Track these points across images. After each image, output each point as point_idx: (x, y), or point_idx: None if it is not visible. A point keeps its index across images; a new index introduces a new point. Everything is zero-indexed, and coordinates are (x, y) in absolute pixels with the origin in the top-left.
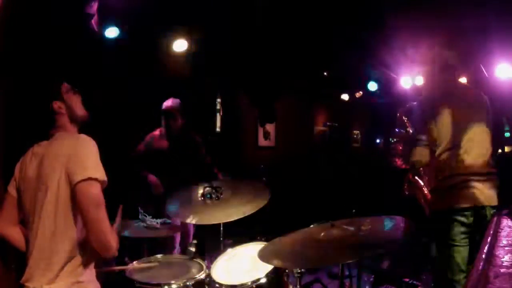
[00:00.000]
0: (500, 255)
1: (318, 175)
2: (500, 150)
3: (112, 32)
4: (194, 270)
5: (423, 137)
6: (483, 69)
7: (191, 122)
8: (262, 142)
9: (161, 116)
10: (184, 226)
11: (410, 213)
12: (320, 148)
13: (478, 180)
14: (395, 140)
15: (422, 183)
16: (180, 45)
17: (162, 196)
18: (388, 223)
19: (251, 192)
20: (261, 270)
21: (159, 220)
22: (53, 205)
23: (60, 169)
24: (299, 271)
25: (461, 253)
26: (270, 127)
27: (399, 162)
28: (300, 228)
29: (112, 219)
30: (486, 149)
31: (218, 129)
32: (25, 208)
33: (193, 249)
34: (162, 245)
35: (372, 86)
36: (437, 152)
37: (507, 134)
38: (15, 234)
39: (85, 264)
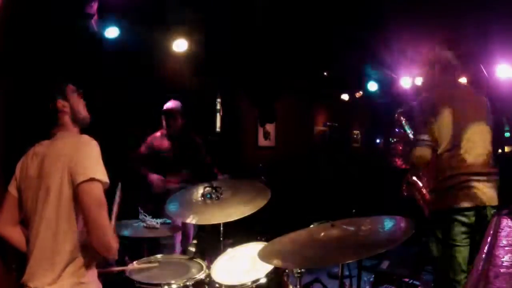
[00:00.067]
0: (500, 255)
1: (318, 175)
2: (500, 150)
3: (112, 32)
4: (194, 270)
5: (424, 137)
6: (483, 69)
7: (191, 123)
8: (262, 142)
9: (161, 116)
10: (184, 226)
11: (410, 213)
12: (320, 148)
13: (478, 180)
14: (395, 140)
15: (421, 184)
16: (180, 45)
17: (162, 196)
18: (388, 223)
19: (251, 192)
20: (261, 270)
21: (159, 220)
22: (55, 205)
23: (62, 169)
24: (299, 271)
25: (461, 253)
26: (270, 127)
27: (399, 162)
28: (300, 228)
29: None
30: (486, 149)
31: (218, 129)
32: (26, 208)
33: (193, 249)
34: (162, 245)
35: (372, 86)
36: (438, 152)
37: (507, 134)
38: (15, 234)
39: (87, 265)
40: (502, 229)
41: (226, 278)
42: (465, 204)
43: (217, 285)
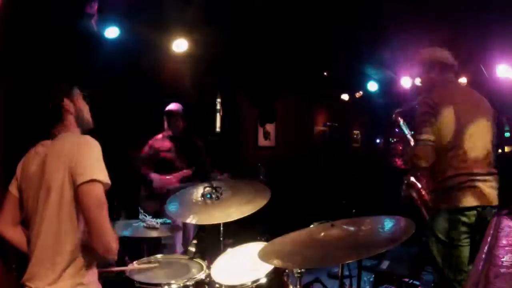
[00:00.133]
0: (500, 255)
1: (318, 175)
2: (500, 150)
3: (112, 32)
4: (194, 270)
5: (424, 137)
6: (483, 69)
7: (192, 125)
8: (262, 142)
9: (163, 117)
10: (184, 226)
11: (410, 213)
12: (320, 148)
13: (479, 180)
14: (395, 140)
15: (420, 185)
16: (180, 45)
17: (162, 195)
18: (388, 223)
19: (251, 192)
20: (261, 270)
21: (159, 220)
22: (56, 206)
23: (63, 169)
24: (299, 271)
25: (462, 253)
26: (270, 127)
27: (399, 162)
28: (300, 228)
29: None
30: (487, 149)
31: (218, 129)
32: (26, 208)
33: (193, 249)
34: (162, 245)
35: (372, 86)
36: (438, 152)
37: (507, 134)
38: (16, 235)
39: (87, 265)
40: (502, 229)
41: (226, 278)
42: (465, 204)
43: (217, 285)
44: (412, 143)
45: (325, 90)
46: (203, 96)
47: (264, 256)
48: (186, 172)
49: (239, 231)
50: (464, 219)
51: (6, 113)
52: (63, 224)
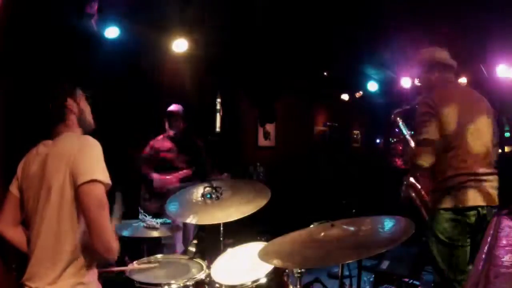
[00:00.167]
0: (500, 255)
1: (318, 175)
2: (500, 150)
3: (112, 32)
4: (194, 270)
5: (425, 137)
6: (483, 69)
7: (192, 126)
8: (262, 142)
9: (164, 118)
10: (185, 226)
11: (410, 213)
12: (320, 148)
13: (479, 180)
14: (395, 140)
15: (419, 186)
16: (180, 45)
17: (162, 194)
18: (388, 223)
19: (251, 192)
20: (261, 270)
21: (159, 220)
22: (56, 206)
23: (64, 169)
24: (299, 271)
25: (462, 253)
26: (270, 127)
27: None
28: (300, 228)
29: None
30: (487, 149)
31: (218, 129)
32: (27, 207)
33: (193, 249)
34: (162, 245)
35: (372, 86)
36: (438, 152)
37: (507, 134)
38: (17, 235)
39: (88, 265)
40: (502, 229)
41: (226, 278)
42: (465, 204)
43: (217, 285)
44: (411, 143)
45: (325, 90)
46: (203, 96)
47: (264, 256)
48: (186, 172)
49: (239, 231)
50: (464, 219)
51: (6, 113)
52: (63, 224)
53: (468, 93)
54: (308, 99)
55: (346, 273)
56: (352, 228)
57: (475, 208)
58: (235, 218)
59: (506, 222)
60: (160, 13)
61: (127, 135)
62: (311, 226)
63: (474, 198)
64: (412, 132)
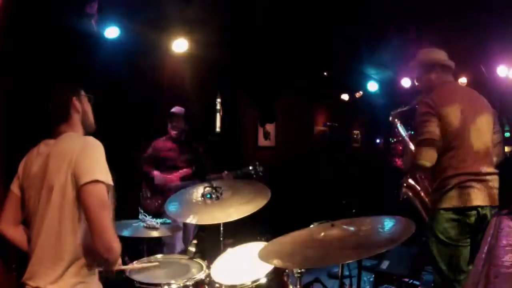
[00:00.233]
0: (500, 255)
1: (318, 175)
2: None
3: (112, 32)
4: (194, 270)
5: (426, 137)
6: (483, 69)
7: (192, 125)
8: (262, 142)
9: (167, 119)
10: (185, 226)
11: (410, 213)
12: (320, 148)
13: (479, 180)
14: (395, 140)
15: (419, 188)
16: (180, 45)
17: (164, 192)
18: (388, 223)
19: (251, 192)
20: (261, 270)
21: (159, 220)
22: (57, 206)
23: (66, 170)
24: (299, 271)
25: (462, 253)
26: (270, 127)
27: (399, 162)
28: (300, 228)
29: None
30: (487, 149)
31: (218, 129)
32: (28, 207)
33: (193, 249)
34: (162, 244)
35: (372, 86)
36: (438, 152)
37: (507, 134)
38: (17, 234)
39: (89, 265)
40: (502, 229)
41: (226, 278)
42: (466, 204)
43: (217, 285)
44: (410, 145)
45: (325, 90)
46: (203, 96)
47: (264, 256)
48: (186, 171)
49: (239, 231)
50: (464, 219)
51: (6, 113)
52: (65, 224)
53: (468, 93)
54: (308, 99)
55: (346, 273)
56: (352, 228)
57: (475, 208)
58: (235, 218)
59: (506, 222)
60: (160, 13)
61: (127, 135)
62: (311, 226)
63: (474, 198)
64: (412, 132)
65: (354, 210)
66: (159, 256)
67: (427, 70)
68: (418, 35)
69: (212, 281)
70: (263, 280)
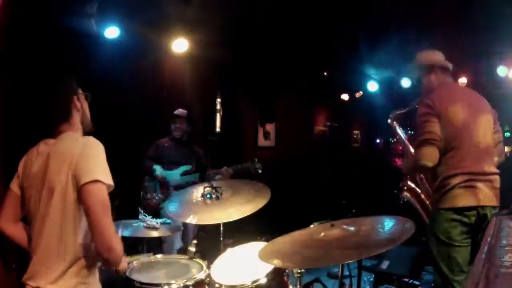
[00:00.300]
0: (500, 255)
1: (318, 175)
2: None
3: (112, 32)
4: (194, 270)
5: (427, 137)
6: (483, 69)
7: (192, 126)
8: (262, 142)
9: (170, 120)
10: (185, 226)
11: (410, 213)
12: (320, 148)
13: (479, 180)
14: (395, 140)
15: (419, 190)
16: (180, 45)
17: (164, 189)
18: (388, 223)
19: (251, 192)
20: (261, 270)
21: (159, 220)
22: (59, 206)
23: (67, 171)
24: (299, 271)
25: (462, 253)
26: (270, 127)
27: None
28: (300, 228)
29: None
30: (487, 149)
31: (218, 129)
32: (28, 206)
33: (193, 249)
34: (162, 245)
35: (372, 86)
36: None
37: (507, 134)
38: (17, 231)
39: (89, 265)
40: (502, 229)
41: (226, 278)
42: (465, 204)
43: (217, 285)
44: (409, 147)
45: (325, 90)
46: (203, 96)
47: (264, 256)
48: (186, 168)
49: (239, 231)
50: (464, 219)
51: (6, 112)
52: (66, 225)
53: (467, 93)
54: (308, 99)
55: (346, 273)
56: (352, 228)
57: (475, 208)
58: (235, 218)
59: (506, 222)
60: (160, 13)
61: (127, 135)
62: (311, 226)
63: (474, 198)
64: (412, 132)
65: (354, 210)
66: (159, 256)
67: (427, 71)
68: (418, 35)
69: (212, 281)
70: (263, 280)
